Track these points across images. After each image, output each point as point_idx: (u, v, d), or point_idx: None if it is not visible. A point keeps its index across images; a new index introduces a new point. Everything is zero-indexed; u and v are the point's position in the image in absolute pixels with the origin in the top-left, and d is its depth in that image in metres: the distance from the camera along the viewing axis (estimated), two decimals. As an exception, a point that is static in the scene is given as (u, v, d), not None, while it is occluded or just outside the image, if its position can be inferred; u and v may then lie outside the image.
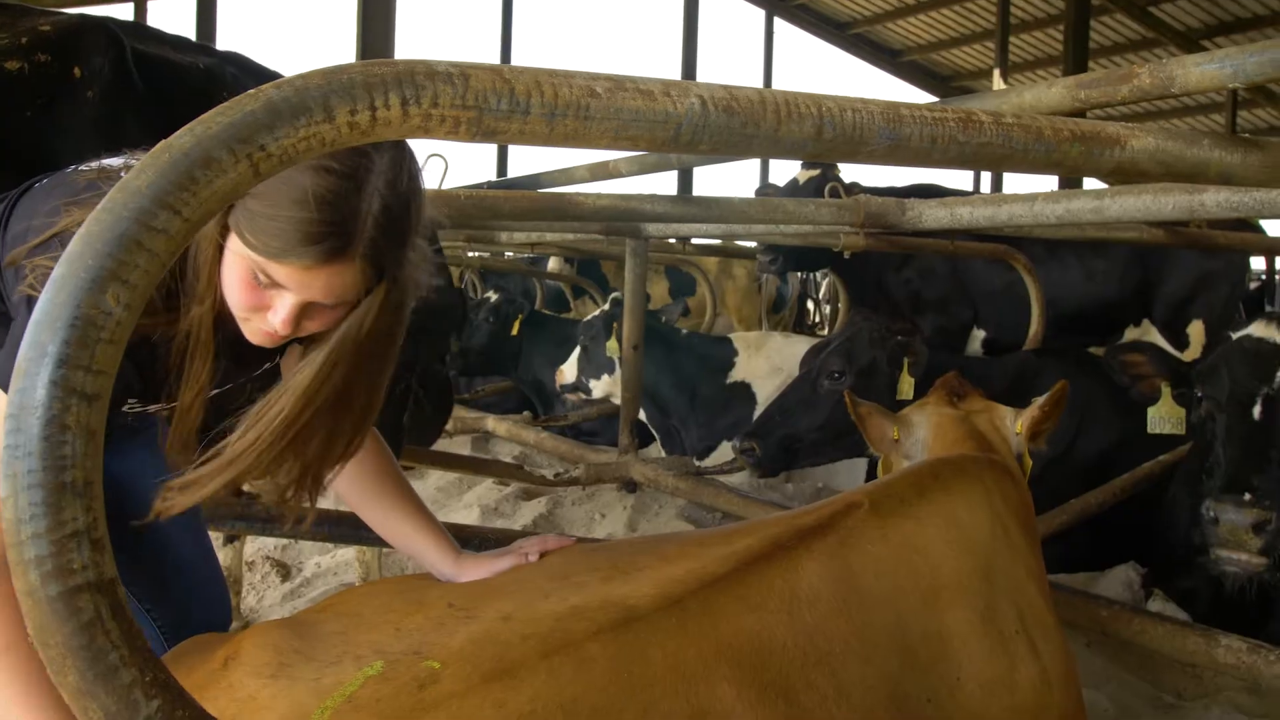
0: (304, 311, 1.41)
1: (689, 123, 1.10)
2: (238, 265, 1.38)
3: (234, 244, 1.37)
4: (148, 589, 1.88)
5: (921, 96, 24.30)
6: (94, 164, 1.60)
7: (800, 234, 4.28)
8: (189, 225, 0.86)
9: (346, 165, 1.33)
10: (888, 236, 4.77)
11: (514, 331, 6.65)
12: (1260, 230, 6.06)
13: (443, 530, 1.84)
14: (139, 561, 1.86)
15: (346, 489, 1.83)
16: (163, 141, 0.88)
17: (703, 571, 1.56)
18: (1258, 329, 2.97)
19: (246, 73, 2.81)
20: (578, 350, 5.68)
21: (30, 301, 1.46)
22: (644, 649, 1.44)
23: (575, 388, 5.76)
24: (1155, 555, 3.74)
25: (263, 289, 1.39)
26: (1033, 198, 2.84)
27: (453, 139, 1.00)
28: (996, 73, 18.73)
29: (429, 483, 5.23)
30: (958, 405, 2.50)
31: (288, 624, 1.49)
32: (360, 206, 1.34)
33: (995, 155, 1.34)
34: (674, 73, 17.73)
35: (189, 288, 1.45)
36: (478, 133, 0.99)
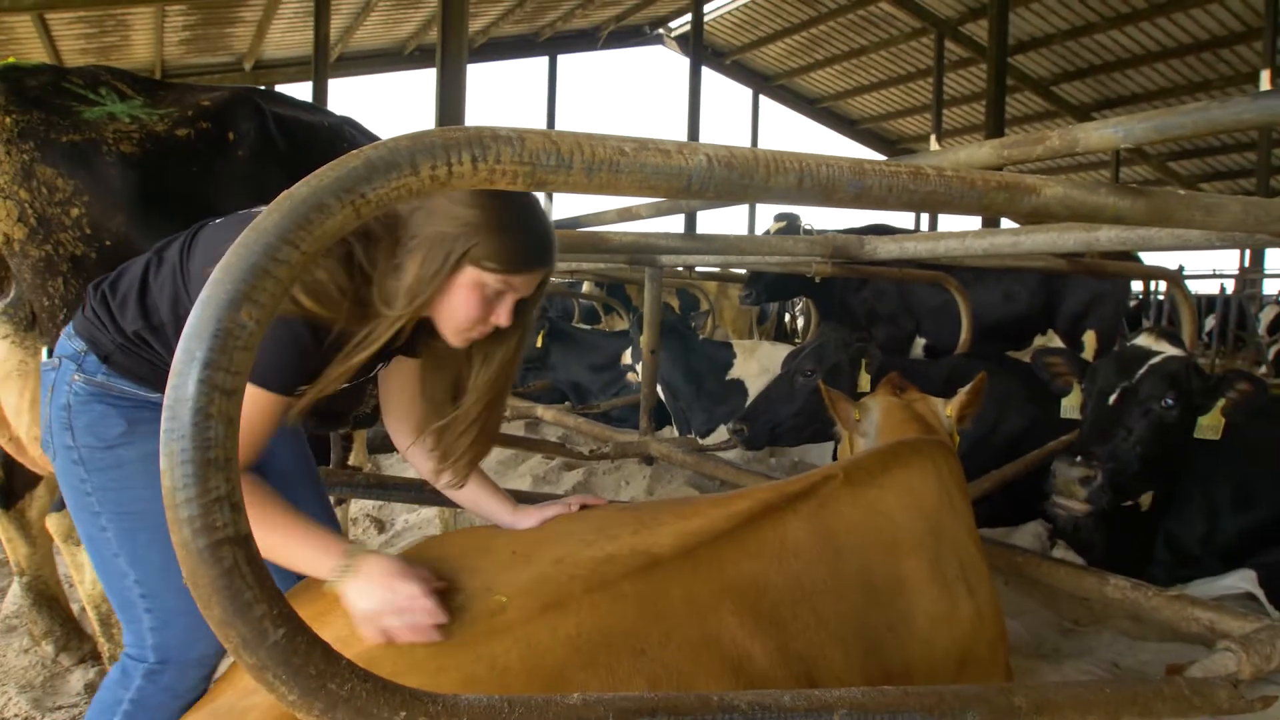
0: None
1: (698, 175, 1.08)
2: (474, 290, 1.41)
3: (468, 276, 1.39)
4: None
5: (874, 156, 24.18)
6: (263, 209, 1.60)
7: (782, 264, 4.24)
8: (305, 257, 0.85)
9: (527, 199, 1.42)
10: (850, 265, 4.73)
11: (538, 344, 6.65)
12: (1140, 260, 6.00)
13: (500, 489, 1.84)
14: None
15: (422, 464, 1.80)
16: (286, 190, 0.86)
17: (711, 527, 1.53)
18: (1142, 339, 2.95)
19: (360, 132, 2.81)
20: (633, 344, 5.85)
21: None
22: (665, 587, 1.42)
23: (629, 368, 5.94)
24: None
25: (488, 302, 1.43)
26: (964, 234, 2.80)
27: (512, 188, 0.98)
28: (933, 137, 18.68)
29: (490, 458, 5.22)
30: (900, 396, 2.48)
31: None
32: (548, 225, 1.47)
33: (938, 200, 1.31)
34: (681, 134, 17.71)
35: (386, 300, 1.41)
36: (532, 184, 0.98)
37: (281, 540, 1.39)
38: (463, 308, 1.43)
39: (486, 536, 1.60)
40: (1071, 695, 1.40)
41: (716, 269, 7.44)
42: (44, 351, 1.67)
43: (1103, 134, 1.48)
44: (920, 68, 19.59)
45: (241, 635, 0.81)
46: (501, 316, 1.46)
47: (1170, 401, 2.74)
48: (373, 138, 2.88)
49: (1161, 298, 11.71)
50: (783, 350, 5.13)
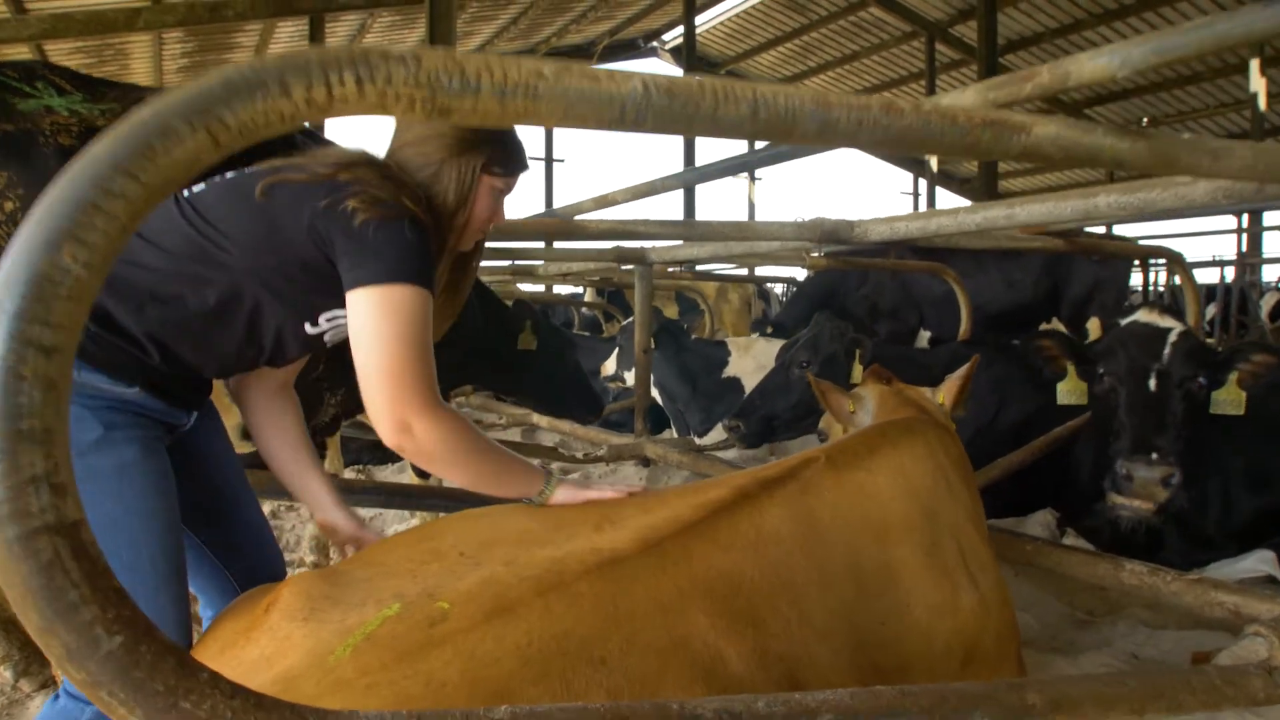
0: None
1: (632, 102, 0.92)
2: (491, 195, 1.60)
3: (485, 184, 1.57)
4: (224, 548, 1.69)
5: (872, 161, 24.05)
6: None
7: (771, 250, 4.09)
8: (148, 190, 0.69)
9: None
10: (844, 256, 4.58)
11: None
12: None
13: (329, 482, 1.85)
14: (219, 525, 1.69)
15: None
16: (126, 113, 0.72)
17: (678, 519, 1.37)
18: (1143, 315, 2.76)
19: (311, 138, 2.67)
20: (616, 350, 5.61)
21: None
22: (628, 586, 1.26)
23: (614, 378, 5.71)
24: (1066, 501, 3.53)
25: (496, 203, 1.62)
26: (955, 211, 2.65)
27: (410, 116, 0.83)
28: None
29: (488, 466, 5.07)
30: (890, 385, 2.34)
31: (322, 574, 1.32)
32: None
33: (915, 138, 1.15)
34: (677, 146, 17.54)
35: (449, 222, 1.57)
36: (432, 110, 0.82)
37: (505, 465, 1.50)
38: (486, 210, 1.61)
39: (433, 536, 1.44)
40: (1091, 690, 1.23)
41: (713, 265, 7.26)
42: None
43: (1097, 63, 1.32)
44: (912, 70, 19.44)
45: (66, 645, 0.65)
46: (501, 215, 1.67)
47: (1204, 380, 2.57)
48: (328, 145, 2.75)
49: (1161, 288, 11.51)
50: (779, 346, 4.97)
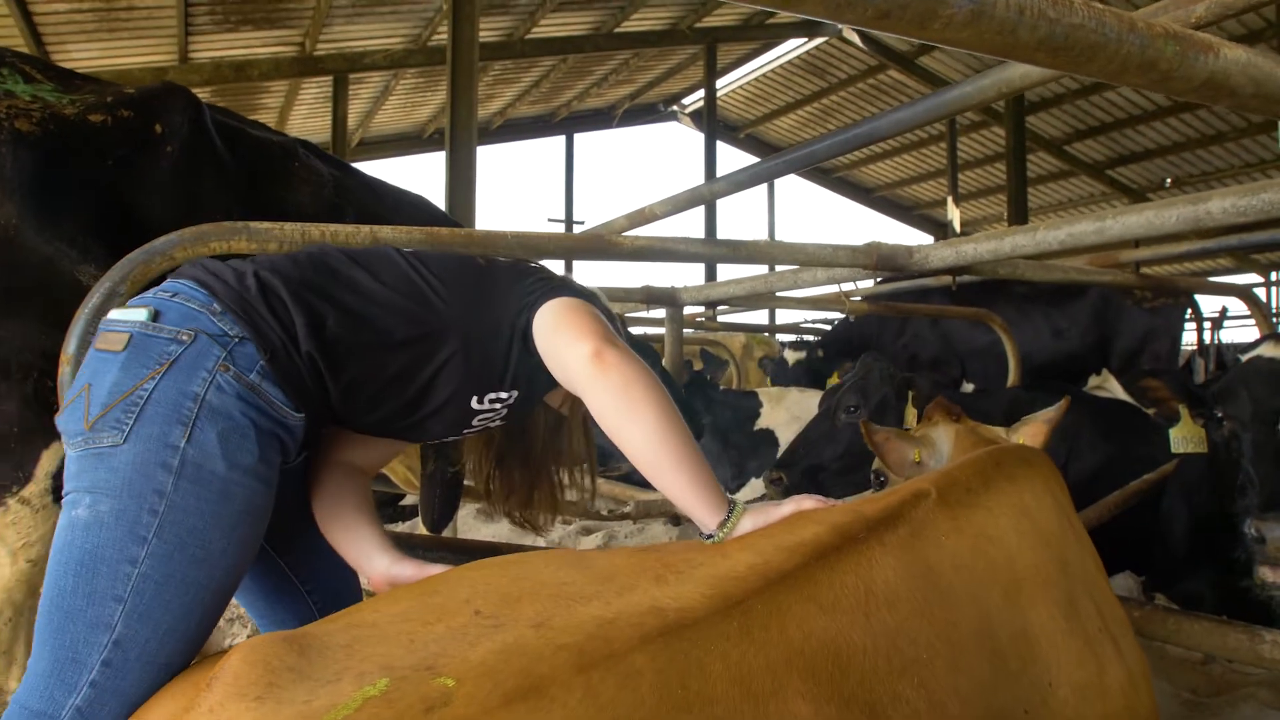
0: None
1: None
2: None
3: None
4: (308, 573, 1.56)
5: (890, 223, 23.92)
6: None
7: (812, 297, 3.78)
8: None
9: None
10: (884, 301, 4.27)
11: None
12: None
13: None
14: (298, 549, 1.56)
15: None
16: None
17: (765, 567, 1.03)
18: (1269, 349, 2.40)
19: (314, 153, 2.43)
20: None
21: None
22: (700, 660, 0.92)
23: None
24: (1153, 563, 3.14)
25: None
26: (1034, 227, 2.34)
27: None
28: (950, 200, 18.36)
29: (504, 524, 4.71)
30: (961, 422, 2.02)
31: (288, 637, 0.98)
32: None
33: (1088, 41, 0.86)
34: (698, 208, 17.43)
35: None
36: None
37: (695, 446, 1.30)
38: None
39: (441, 590, 1.11)
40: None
41: (741, 315, 6.97)
42: (143, 312, 1.27)
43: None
44: (932, 133, 19.39)
45: None
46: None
47: None
48: (332, 160, 2.52)
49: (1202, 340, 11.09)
50: (813, 397, 4.63)
